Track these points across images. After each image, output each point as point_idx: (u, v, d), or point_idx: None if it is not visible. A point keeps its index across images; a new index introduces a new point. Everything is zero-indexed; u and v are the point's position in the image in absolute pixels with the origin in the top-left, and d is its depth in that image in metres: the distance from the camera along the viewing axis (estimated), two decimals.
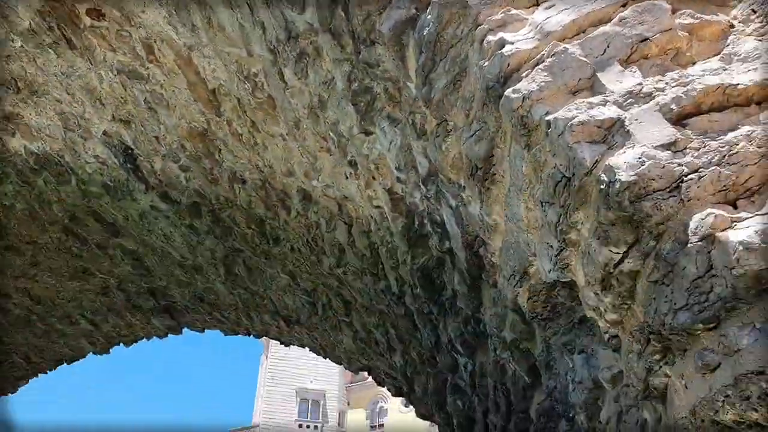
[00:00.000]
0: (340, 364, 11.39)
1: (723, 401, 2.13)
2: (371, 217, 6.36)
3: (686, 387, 2.42)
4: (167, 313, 10.82)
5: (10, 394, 9.53)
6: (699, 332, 2.24)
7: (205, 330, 11.61)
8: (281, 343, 11.73)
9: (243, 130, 6.72)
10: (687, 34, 2.64)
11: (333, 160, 6.16)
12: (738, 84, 2.37)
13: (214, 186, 7.69)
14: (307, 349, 11.69)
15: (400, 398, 38.48)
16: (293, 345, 11.70)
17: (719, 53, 2.58)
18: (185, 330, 11.45)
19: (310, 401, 43.92)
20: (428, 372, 8.27)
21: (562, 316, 3.80)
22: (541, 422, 5.33)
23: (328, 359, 11.73)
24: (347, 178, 6.18)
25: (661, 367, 2.62)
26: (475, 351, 6.26)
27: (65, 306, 9.76)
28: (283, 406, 43.43)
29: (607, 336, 3.17)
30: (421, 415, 10.29)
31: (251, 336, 11.51)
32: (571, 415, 4.54)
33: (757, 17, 2.57)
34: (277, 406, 43.38)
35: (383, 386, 10.87)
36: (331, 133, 5.78)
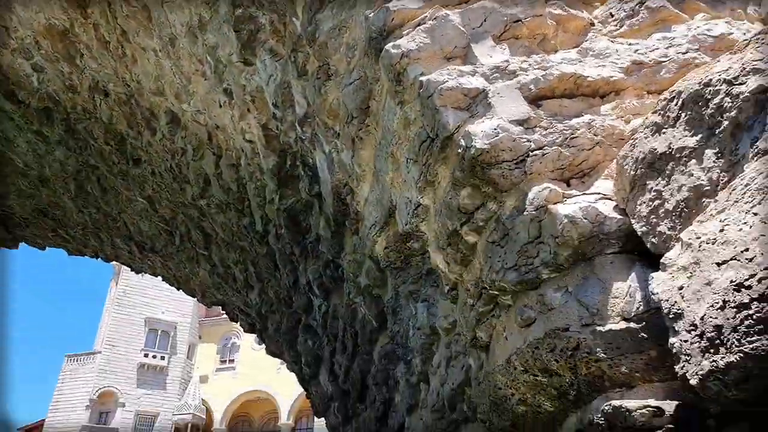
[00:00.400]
0: (194, 296, 11.27)
1: (533, 352, 2.47)
2: (242, 150, 6.29)
3: (506, 339, 2.76)
4: (2, 225, 10.06)
5: None
6: (522, 291, 2.56)
7: (47, 248, 10.95)
8: (132, 270, 11.36)
9: (111, 38, 6.30)
10: (555, 23, 2.89)
11: (207, 85, 5.98)
12: (588, 76, 2.65)
13: (71, 93, 7.18)
14: (159, 278, 11.42)
15: (253, 335, 38.55)
16: (145, 273, 11.38)
17: (578, 46, 2.85)
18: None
19: (159, 332, 42.91)
20: (283, 311, 8.45)
21: (413, 267, 4.08)
22: (382, 364, 5.71)
23: (181, 291, 11.56)
24: (221, 106, 6.05)
25: (488, 319, 2.95)
26: (330, 294, 6.50)
27: None
28: (129, 334, 42.09)
29: (447, 288, 3.47)
30: (271, 352, 10.51)
31: (99, 259, 11.04)
32: (409, 358, 4.92)
33: (614, 20, 2.87)
34: (123, 334, 41.97)
35: (236, 322, 10.94)
36: (208, 57, 5.60)
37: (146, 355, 42.00)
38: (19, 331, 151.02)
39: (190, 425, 39.87)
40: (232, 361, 43.89)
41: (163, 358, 42.29)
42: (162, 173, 7.59)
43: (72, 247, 10.66)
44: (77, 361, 42.58)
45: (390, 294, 4.75)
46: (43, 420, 41.21)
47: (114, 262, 38.25)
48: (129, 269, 35.03)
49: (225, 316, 40.97)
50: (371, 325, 5.57)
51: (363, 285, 5.24)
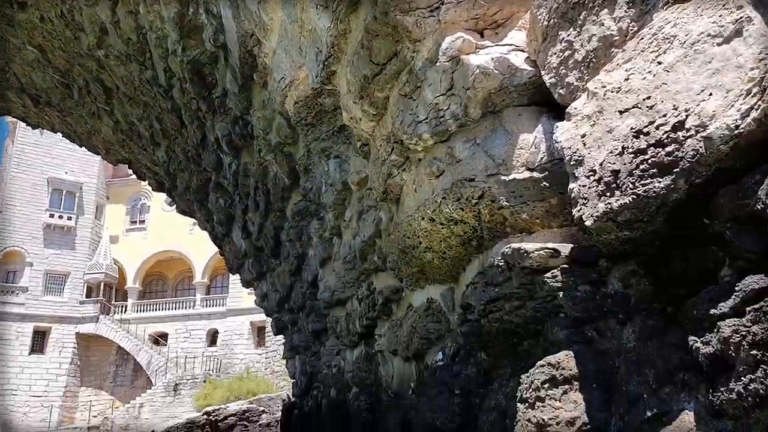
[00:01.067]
0: (98, 154, 10.65)
1: (441, 201, 2.49)
2: None
3: (416, 191, 2.77)
4: None
5: None
6: (432, 143, 2.53)
7: None
8: (28, 125, 10.49)
9: None
10: None
11: None
12: None
13: None
14: (60, 135, 10.65)
15: (164, 196, 37.56)
16: (43, 128, 10.56)
17: None
18: None
19: (64, 192, 40.91)
20: (192, 169, 8.16)
21: (324, 123, 3.96)
22: (296, 220, 5.72)
23: (84, 149, 10.88)
24: None
25: (399, 172, 2.93)
26: (241, 152, 6.29)
27: None
28: (31, 195, 39.92)
29: (359, 144, 3.41)
30: (182, 211, 10.30)
31: None
32: (321, 214, 4.93)
33: None
34: (24, 194, 39.74)
35: (144, 180, 10.53)
36: None
37: (51, 216, 40.24)
38: None
39: (102, 284, 39.49)
40: (142, 222, 42.96)
41: (69, 218, 40.71)
42: (52, 19, 6.80)
43: None
44: None
45: (302, 151, 4.64)
46: None
47: (9, 119, 35.29)
48: (27, 128, 32.56)
49: (134, 176, 39.59)
50: (283, 183, 5.49)
51: (274, 143, 5.08)
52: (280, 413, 20.98)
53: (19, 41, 7.58)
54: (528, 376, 2.01)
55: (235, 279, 36.17)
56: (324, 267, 5.33)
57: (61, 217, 40.52)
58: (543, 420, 1.87)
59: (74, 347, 37.90)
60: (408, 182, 2.87)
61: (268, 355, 31.56)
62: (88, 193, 42.10)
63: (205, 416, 20.79)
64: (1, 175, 43.01)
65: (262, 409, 20.62)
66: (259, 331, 35.56)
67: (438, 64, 2.38)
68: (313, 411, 7.04)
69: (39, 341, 37.31)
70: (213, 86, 5.89)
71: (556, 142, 2.00)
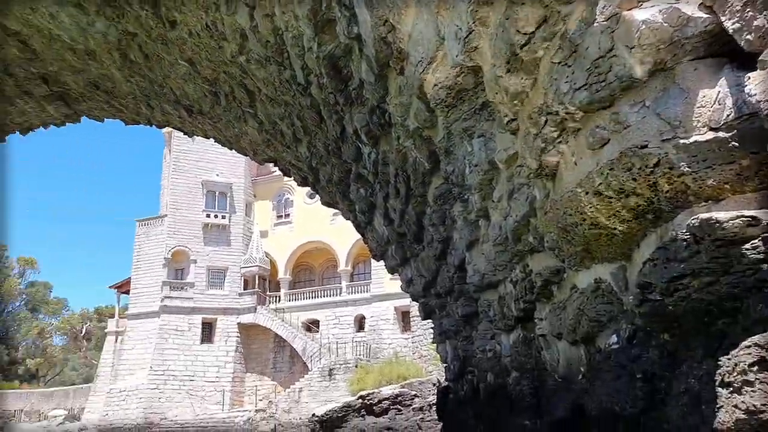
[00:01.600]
0: (246, 155, 11.32)
1: (608, 173, 2.30)
2: None
3: (575, 163, 2.59)
4: (62, 101, 10.07)
5: None
6: (594, 111, 2.34)
7: (105, 119, 11.00)
8: (184, 134, 11.38)
9: None
10: None
11: None
12: None
13: None
14: (212, 140, 11.45)
15: (306, 190, 39.36)
16: (197, 135, 11.40)
17: None
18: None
19: (216, 193, 44.28)
20: (333, 162, 8.40)
21: (465, 102, 3.85)
22: (438, 204, 5.68)
23: (233, 151, 11.61)
24: None
25: (554, 146, 2.76)
26: (379, 141, 6.35)
27: None
28: (189, 198, 43.63)
29: (506, 119, 3.26)
30: (325, 203, 10.65)
31: (153, 126, 11.06)
32: (465, 196, 4.84)
33: None
34: (184, 198, 43.51)
35: (289, 176, 11.02)
36: None
37: (208, 216, 43.74)
38: (92, 204, 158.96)
39: (257, 276, 42.35)
40: (288, 215, 45.37)
41: (224, 217, 43.99)
42: (199, 33, 7.27)
43: (126, 116, 10.67)
44: (148, 225, 44.88)
45: (441, 134, 4.56)
46: (129, 278, 44.52)
47: (164, 130, 38.74)
48: (179, 136, 35.46)
49: (276, 173, 41.86)
50: (423, 168, 5.46)
51: (412, 128, 5.05)
52: (432, 397, 21.30)
53: (172, 57, 8.20)
54: (730, 359, 1.79)
55: (377, 265, 37.16)
56: (471, 250, 5.24)
57: (216, 216, 43.85)
58: (755, 406, 1.66)
59: (237, 336, 41.06)
60: (566, 155, 2.69)
61: (415, 340, 32.11)
62: (238, 193, 45.12)
63: (360, 400, 21.66)
64: (163, 182, 47.46)
65: (414, 393, 21.08)
66: (403, 316, 36.26)
67: (595, 25, 2.18)
68: (469, 395, 7.01)
69: (207, 331, 40.87)
70: (349, 79, 5.99)
71: (748, 96, 1.75)
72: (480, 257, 4.82)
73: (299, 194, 44.33)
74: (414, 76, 4.28)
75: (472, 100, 3.77)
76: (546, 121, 2.67)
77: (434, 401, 21.05)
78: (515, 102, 2.93)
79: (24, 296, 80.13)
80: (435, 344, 9.75)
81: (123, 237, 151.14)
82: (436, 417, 20.20)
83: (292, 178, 10.96)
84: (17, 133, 10.87)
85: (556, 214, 2.84)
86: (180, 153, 44.66)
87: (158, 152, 51.68)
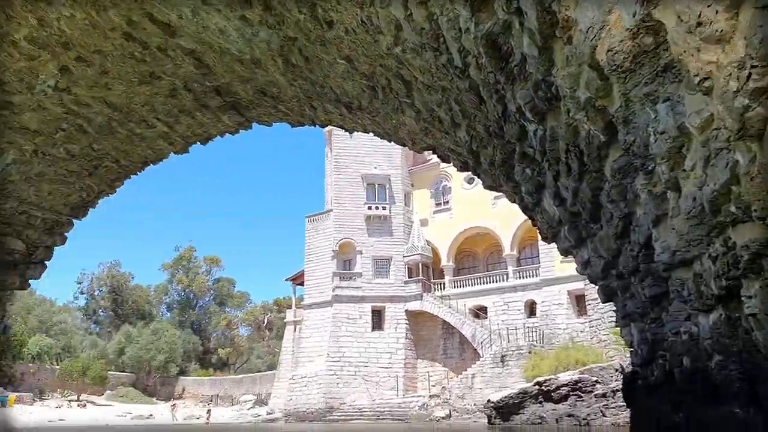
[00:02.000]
0: (404, 145, 11.53)
1: None
2: None
3: None
4: (234, 110, 10.99)
5: (108, 195, 10.30)
6: None
7: (273, 123, 11.82)
8: (345, 130, 11.87)
9: None
10: None
11: None
12: None
13: None
14: (370, 135, 11.82)
15: (463, 175, 39.38)
16: (357, 131, 11.83)
17: None
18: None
19: (376, 185, 45.86)
20: (495, 144, 8.28)
21: (645, 66, 3.58)
22: (617, 179, 5.35)
23: (392, 143, 11.89)
24: None
25: (760, 102, 2.48)
26: (545, 116, 6.14)
27: (140, 111, 10.00)
28: (351, 191, 45.64)
29: (697, 79, 2.98)
30: (488, 186, 10.54)
31: (316, 126, 11.68)
32: (650, 168, 4.51)
33: None
34: (346, 192, 45.63)
35: (448, 163, 11.05)
36: None
37: (369, 208, 45.44)
38: (264, 203, 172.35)
39: (420, 264, 43.22)
40: (446, 203, 45.69)
41: (384, 208, 45.42)
42: (355, 29, 7.52)
43: (292, 119, 11.39)
44: (315, 220, 47.74)
45: (618, 102, 4.29)
46: (302, 270, 47.78)
47: (325, 129, 41.03)
48: (338, 134, 37.34)
49: (433, 161, 42.52)
50: (598, 140, 5.18)
51: (584, 99, 4.81)
52: (614, 383, 20.32)
53: (331, 57, 8.58)
54: None
55: (545, 249, 36.20)
56: (658, 225, 4.89)
57: (377, 208, 45.43)
58: None
59: (406, 323, 42.29)
60: None
61: (592, 324, 30.83)
62: (396, 183, 46.32)
63: (537, 386, 21.26)
64: (327, 179, 50.11)
65: (594, 379, 20.25)
66: (578, 300, 34.96)
67: None
68: (661, 380, 6.58)
69: (377, 319, 42.61)
70: (509, 55, 5.85)
71: None
72: (669, 233, 4.48)
73: (457, 180, 44.41)
74: (584, 44, 4.07)
75: (653, 63, 3.50)
76: (749, 76, 2.41)
77: (618, 388, 20.09)
78: (708, 58, 2.67)
79: (212, 292, 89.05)
80: (618, 328, 9.27)
81: (294, 232, 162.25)
82: (622, 404, 19.22)
83: (451, 164, 10.97)
84: (197, 143, 12.04)
85: (765, 179, 2.55)
86: (340, 150, 46.81)
87: (320, 151, 54.71)
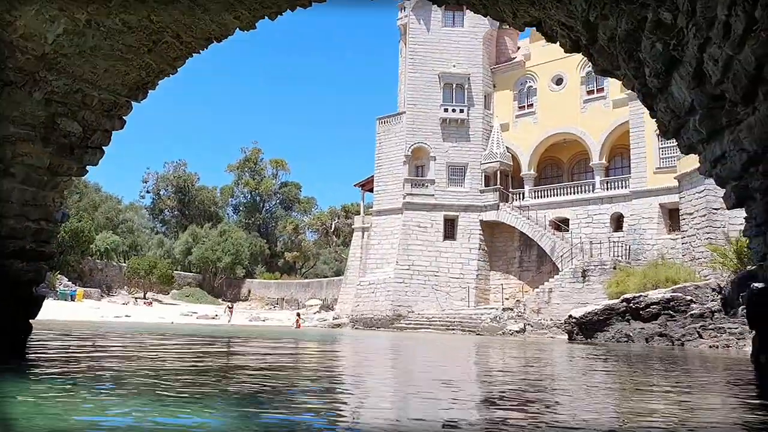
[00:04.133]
0: (503, 20, 10.39)
1: None
2: None
3: None
4: None
5: (169, 75, 9.79)
6: None
7: None
8: (434, 3, 10.81)
9: None
10: None
11: None
12: None
13: None
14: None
15: (551, 75, 37.46)
16: (449, 2, 10.75)
17: None
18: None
19: (454, 86, 43.93)
20: (621, 10, 7.16)
21: None
22: None
23: (486, 18, 10.78)
24: None
25: None
26: None
27: None
28: (426, 92, 43.96)
29: None
30: (601, 70, 9.43)
31: None
32: None
33: None
34: (421, 93, 44.01)
35: (554, 41, 9.90)
36: None
37: (446, 110, 43.89)
38: (332, 105, 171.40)
39: (498, 172, 41.97)
40: (531, 105, 43.47)
41: (462, 111, 43.77)
42: None
43: None
44: (387, 122, 46.74)
45: None
46: (372, 176, 47.54)
47: (400, 23, 39.29)
48: (415, 28, 35.63)
49: (517, 60, 40.35)
50: None
51: None
52: (710, 303, 19.30)
53: None
54: None
55: (637, 158, 34.29)
56: None
57: (454, 110, 43.97)
58: None
59: (480, 234, 41.79)
60: None
61: (685, 241, 29.34)
62: (476, 84, 44.47)
63: (624, 303, 20.47)
64: (400, 78, 48.61)
65: (689, 298, 19.26)
66: (670, 214, 33.28)
67: None
68: None
69: (449, 228, 42.29)
70: None
71: None
72: None
73: (543, 81, 42.21)
74: None
75: None
76: None
77: (715, 308, 19.07)
78: None
79: (278, 195, 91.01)
80: (746, 238, 8.31)
81: (365, 136, 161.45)
82: (721, 325, 18.26)
83: (558, 43, 9.83)
84: (265, 18, 11.28)
85: None
86: (416, 45, 45.02)
87: (394, 48, 52.75)
